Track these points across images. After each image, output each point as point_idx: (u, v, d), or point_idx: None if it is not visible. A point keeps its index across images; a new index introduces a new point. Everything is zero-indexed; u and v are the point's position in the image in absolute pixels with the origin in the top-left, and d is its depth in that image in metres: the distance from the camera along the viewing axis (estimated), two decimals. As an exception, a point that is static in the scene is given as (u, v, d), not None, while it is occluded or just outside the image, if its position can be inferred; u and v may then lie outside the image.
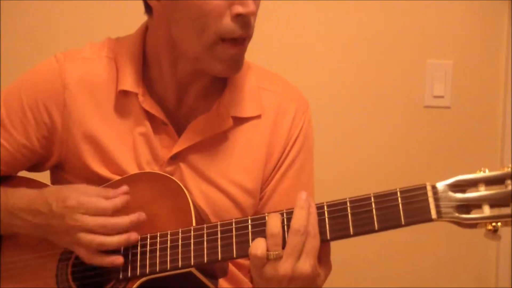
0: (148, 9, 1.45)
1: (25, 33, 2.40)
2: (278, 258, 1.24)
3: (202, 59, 1.39)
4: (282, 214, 1.28)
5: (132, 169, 1.46)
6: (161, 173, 1.44)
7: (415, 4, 2.40)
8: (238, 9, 1.34)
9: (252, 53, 1.47)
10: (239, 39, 1.38)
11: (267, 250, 1.25)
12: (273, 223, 1.26)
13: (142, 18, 1.50)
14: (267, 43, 2.36)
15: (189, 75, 1.46)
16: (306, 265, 1.24)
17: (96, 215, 1.35)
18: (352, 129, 2.45)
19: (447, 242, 2.37)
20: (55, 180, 1.55)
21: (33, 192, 1.44)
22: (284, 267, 1.24)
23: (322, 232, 1.27)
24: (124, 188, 1.39)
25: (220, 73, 1.43)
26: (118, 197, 1.37)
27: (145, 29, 1.49)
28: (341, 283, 2.22)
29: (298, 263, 1.24)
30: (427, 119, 2.44)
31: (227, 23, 1.35)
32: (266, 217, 1.28)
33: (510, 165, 1.19)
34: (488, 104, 2.43)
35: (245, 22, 1.36)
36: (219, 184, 1.48)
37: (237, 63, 1.41)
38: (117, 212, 1.36)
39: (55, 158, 1.51)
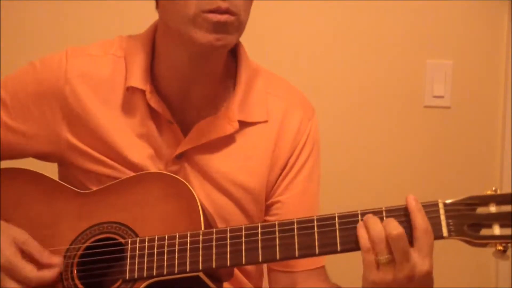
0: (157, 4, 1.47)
1: (25, 33, 2.40)
2: (391, 262, 1.23)
3: (185, 31, 1.38)
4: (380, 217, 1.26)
5: (137, 167, 1.46)
6: (171, 174, 1.43)
7: (415, 4, 2.40)
8: None
9: (257, 55, 1.47)
10: (220, 10, 1.36)
11: (375, 256, 1.24)
12: (379, 228, 1.24)
13: (144, 18, 1.50)
14: (268, 43, 2.36)
15: (189, 66, 1.45)
16: (426, 263, 1.24)
17: (19, 283, 1.35)
18: (352, 129, 2.46)
19: (447, 241, 2.38)
20: (63, 175, 1.55)
21: None
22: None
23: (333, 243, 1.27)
24: (59, 259, 1.39)
25: (202, 39, 1.38)
26: (51, 269, 1.37)
27: (155, 28, 1.50)
28: (343, 283, 2.23)
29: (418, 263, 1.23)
30: (427, 119, 2.44)
31: None
32: (360, 221, 1.26)
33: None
34: (488, 104, 2.44)
35: None
36: (223, 186, 1.49)
37: (221, 30, 1.38)
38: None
39: (56, 152, 1.51)
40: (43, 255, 1.38)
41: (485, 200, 1.19)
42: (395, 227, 1.22)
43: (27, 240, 1.39)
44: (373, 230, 1.24)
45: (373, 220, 1.25)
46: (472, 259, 2.43)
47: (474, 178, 2.41)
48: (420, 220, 1.23)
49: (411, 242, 1.23)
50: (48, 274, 1.37)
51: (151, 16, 1.49)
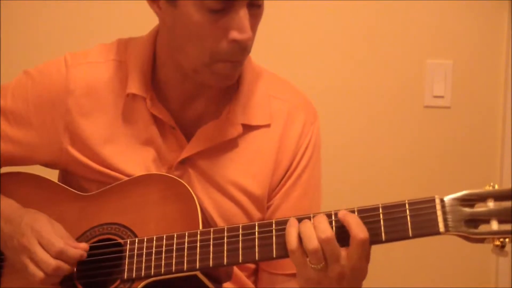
0: None
1: (25, 33, 2.40)
2: (324, 267, 1.24)
3: (199, 72, 1.39)
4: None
5: (140, 174, 1.46)
6: (170, 175, 1.43)
7: (415, 4, 2.40)
8: (235, 35, 1.33)
9: (256, 55, 1.47)
10: (235, 59, 1.38)
11: (310, 264, 1.24)
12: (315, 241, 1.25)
13: (143, 19, 1.50)
14: (267, 43, 2.36)
15: (195, 86, 1.46)
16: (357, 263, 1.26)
17: (44, 249, 1.37)
18: (351, 129, 2.46)
19: (447, 241, 2.36)
20: (64, 179, 1.55)
21: (18, 207, 1.46)
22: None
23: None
24: (84, 245, 1.40)
25: (215, 85, 1.44)
26: (76, 249, 1.38)
27: (157, 32, 1.48)
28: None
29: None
30: (427, 119, 2.44)
31: (223, 47, 1.34)
32: (289, 222, 1.27)
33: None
34: (488, 104, 2.44)
35: (241, 47, 1.35)
36: (227, 190, 1.48)
37: (232, 76, 1.42)
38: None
39: (57, 163, 1.51)
40: (72, 239, 1.41)
41: (483, 196, 1.19)
42: (323, 231, 1.24)
43: (61, 227, 1.42)
44: (308, 240, 1.24)
45: (308, 232, 1.25)
46: (472, 259, 2.43)
47: (474, 178, 2.41)
48: (353, 222, 1.24)
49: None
50: (72, 251, 1.38)
51: (152, 16, 1.48)
